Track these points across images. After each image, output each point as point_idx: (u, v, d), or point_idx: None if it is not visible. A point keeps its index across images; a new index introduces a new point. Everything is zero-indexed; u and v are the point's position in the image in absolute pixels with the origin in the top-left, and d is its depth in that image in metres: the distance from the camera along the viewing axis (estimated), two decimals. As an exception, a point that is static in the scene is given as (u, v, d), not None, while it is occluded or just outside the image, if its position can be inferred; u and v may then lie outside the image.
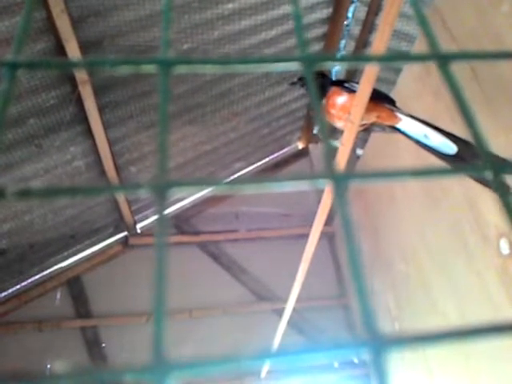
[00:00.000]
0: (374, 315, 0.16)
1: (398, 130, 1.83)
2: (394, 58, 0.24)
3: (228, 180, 0.19)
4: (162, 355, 0.15)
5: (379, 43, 1.47)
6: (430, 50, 0.23)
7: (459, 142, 1.60)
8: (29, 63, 0.20)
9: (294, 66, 0.22)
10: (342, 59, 0.22)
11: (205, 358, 0.15)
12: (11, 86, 0.20)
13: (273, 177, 0.19)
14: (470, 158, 1.59)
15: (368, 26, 2.94)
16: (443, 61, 0.23)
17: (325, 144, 0.20)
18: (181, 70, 0.22)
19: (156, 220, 0.18)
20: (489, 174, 0.19)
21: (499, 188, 0.19)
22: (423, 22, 0.24)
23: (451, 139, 1.62)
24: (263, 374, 2.79)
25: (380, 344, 0.15)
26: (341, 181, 0.18)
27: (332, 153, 0.20)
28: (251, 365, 0.15)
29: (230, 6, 2.52)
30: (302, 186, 0.20)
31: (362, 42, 3.04)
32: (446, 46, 2.00)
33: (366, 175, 0.19)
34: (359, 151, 3.29)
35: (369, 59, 0.25)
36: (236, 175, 3.70)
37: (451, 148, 1.62)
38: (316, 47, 3.18)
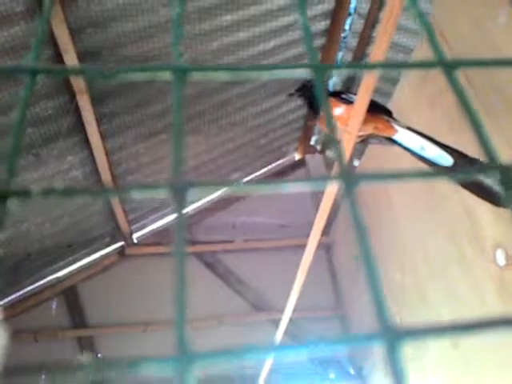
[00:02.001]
0: (387, 308, 0.17)
1: (395, 141, 1.84)
2: (402, 66, 0.25)
3: (243, 181, 0.20)
4: (186, 346, 0.16)
5: (377, 54, 1.48)
6: (435, 57, 0.23)
7: (455, 154, 1.62)
8: (48, 70, 0.21)
9: (304, 74, 0.23)
10: (352, 66, 0.23)
11: (226, 349, 0.16)
12: (31, 92, 0.21)
13: (286, 178, 0.19)
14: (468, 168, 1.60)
15: (365, 38, 2.97)
16: (449, 68, 0.24)
17: (336, 146, 0.21)
18: (195, 76, 0.22)
19: (175, 219, 0.19)
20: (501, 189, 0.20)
21: (509, 199, 0.19)
22: (429, 31, 0.25)
23: (447, 151, 1.63)
24: (260, 382, 2.78)
25: (394, 336, 0.16)
26: (354, 182, 0.19)
27: (343, 155, 0.21)
28: (276, 356, 0.16)
29: (229, 17, 2.54)
30: (314, 186, 0.20)
31: (360, 53, 3.07)
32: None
33: (380, 176, 0.20)
34: (356, 162, 3.30)
35: (377, 66, 0.25)
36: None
37: (447, 160, 1.64)
38: (313, 58, 3.21)
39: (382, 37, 1.38)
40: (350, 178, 0.19)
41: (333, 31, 3.01)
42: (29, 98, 0.20)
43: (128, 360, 0.15)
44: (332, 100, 1.88)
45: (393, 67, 0.25)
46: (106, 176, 2.88)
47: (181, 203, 0.19)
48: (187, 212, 3.67)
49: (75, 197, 0.19)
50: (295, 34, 2.85)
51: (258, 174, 3.84)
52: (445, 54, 0.23)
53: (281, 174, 3.95)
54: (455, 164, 1.63)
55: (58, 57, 2.19)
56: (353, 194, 0.19)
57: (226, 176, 3.62)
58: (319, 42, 3.09)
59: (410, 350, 2.61)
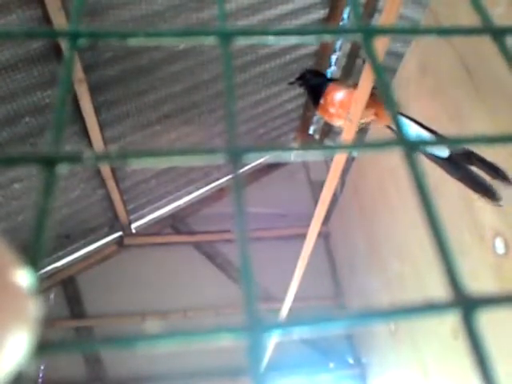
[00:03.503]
0: (460, 274, 0.16)
1: (393, 130, 1.83)
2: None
3: (291, 147, 0.19)
4: (256, 315, 0.15)
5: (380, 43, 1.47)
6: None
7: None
8: (90, 33, 0.20)
9: (354, 38, 0.22)
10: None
11: (299, 317, 0.15)
12: (72, 56, 0.20)
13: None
14: (463, 161, 1.59)
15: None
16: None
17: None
18: (240, 41, 0.22)
19: (232, 183, 0.18)
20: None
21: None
22: None
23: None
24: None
25: (470, 304, 0.15)
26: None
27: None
28: (345, 326, 0.15)
29: (227, 6, 2.51)
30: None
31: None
32: (442, 46, 2.02)
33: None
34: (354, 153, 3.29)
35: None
36: (231, 175, 3.70)
37: (444, 151, 1.62)
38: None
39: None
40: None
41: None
42: (72, 64, 0.19)
43: (202, 330, 0.14)
44: (332, 85, 1.87)
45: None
46: (104, 167, 2.87)
47: (237, 168, 0.18)
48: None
49: (130, 162, 0.18)
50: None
51: (256, 163, 3.83)
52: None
53: (279, 164, 3.94)
54: (451, 156, 1.62)
55: (56, 46, 2.18)
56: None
57: (224, 166, 3.61)
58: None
59: (408, 341, 2.62)
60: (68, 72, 0.19)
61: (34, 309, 0.15)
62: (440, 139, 0.21)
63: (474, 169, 1.59)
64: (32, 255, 0.15)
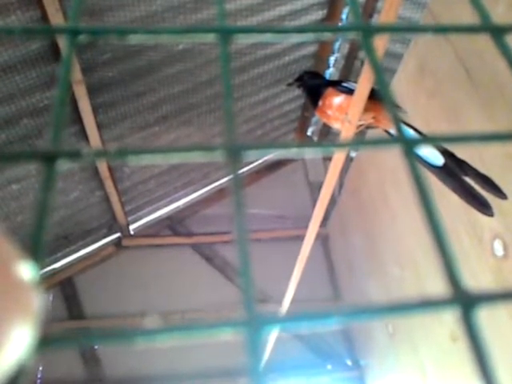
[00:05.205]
0: (459, 270, 0.16)
1: (390, 134, 1.84)
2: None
3: (295, 144, 0.19)
4: (254, 310, 0.15)
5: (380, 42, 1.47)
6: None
7: (446, 155, 1.60)
8: (90, 30, 0.20)
9: (351, 35, 0.22)
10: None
11: (296, 313, 0.15)
12: (71, 54, 0.20)
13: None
14: (457, 170, 1.59)
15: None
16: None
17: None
18: (240, 39, 0.22)
19: (231, 181, 0.18)
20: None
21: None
22: None
23: (439, 150, 1.61)
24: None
25: (469, 301, 0.15)
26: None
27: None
28: (344, 321, 0.15)
29: (226, 7, 2.51)
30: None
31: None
32: (441, 46, 2.02)
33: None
34: (353, 153, 3.30)
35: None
36: (230, 173, 3.70)
37: (439, 159, 1.62)
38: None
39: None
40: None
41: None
42: (71, 60, 0.19)
43: (200, 324, 0.14)
44: (331, 89, 1.87)
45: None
46: (102, 167, 2.87)
47: (236, 166, 0.18)
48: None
49: (128, 158, 0.18)
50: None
51: (254, 164, 3.84)
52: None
53: (277, 165, 3.95)
54: (445, 164, 1.62)
55: (54, 46, 2.18)
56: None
57: (223, 167, 3.62)
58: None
59: (407, 343, 2.62)
60: (67, 69, 0.19)
61: (37, 302, 0.16)
62: (438, 137, 0.21)
63: (468, 180, 1.59)
64: (33, 250, 0.15)
